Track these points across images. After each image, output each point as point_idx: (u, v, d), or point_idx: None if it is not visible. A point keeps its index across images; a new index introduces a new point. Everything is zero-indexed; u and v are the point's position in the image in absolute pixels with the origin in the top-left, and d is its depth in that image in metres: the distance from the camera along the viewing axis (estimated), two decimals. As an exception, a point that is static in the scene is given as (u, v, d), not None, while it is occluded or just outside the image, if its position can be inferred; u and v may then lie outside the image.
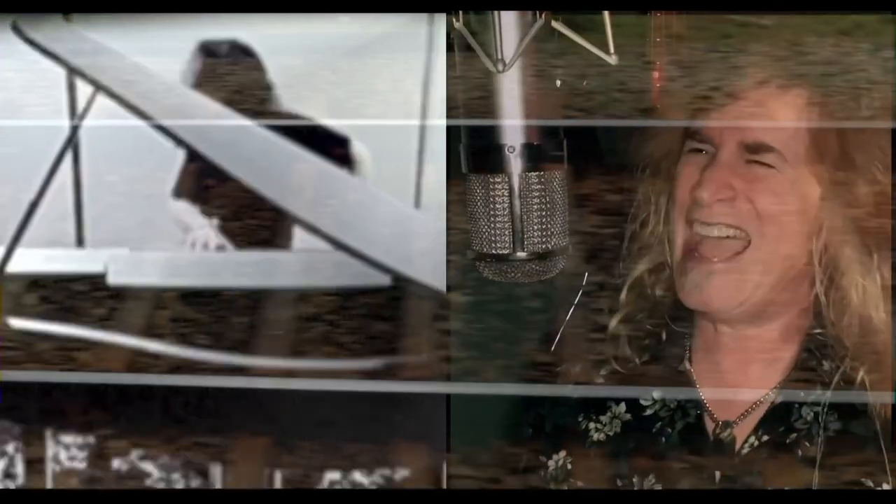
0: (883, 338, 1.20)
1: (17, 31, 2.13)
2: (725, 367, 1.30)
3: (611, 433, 1.33)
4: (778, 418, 1.23)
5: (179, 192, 2.45)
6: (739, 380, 1.29)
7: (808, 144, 1.20)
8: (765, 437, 1.23)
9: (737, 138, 1.18)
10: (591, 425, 1.35)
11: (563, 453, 1.36)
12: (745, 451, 1.25)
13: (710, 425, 1.29)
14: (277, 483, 2.01)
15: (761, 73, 1.29)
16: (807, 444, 1.21)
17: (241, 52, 2.41)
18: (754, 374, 1.29)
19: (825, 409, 1.21)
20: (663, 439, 1.29)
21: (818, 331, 1.23)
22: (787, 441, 1.22)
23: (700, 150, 1.25)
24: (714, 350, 1.32)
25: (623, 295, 1.38)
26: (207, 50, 2.29)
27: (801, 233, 1.21)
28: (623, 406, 1.34)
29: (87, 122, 2.28)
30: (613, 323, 1.38)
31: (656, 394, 1.31)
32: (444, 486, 1.98)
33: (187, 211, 2.45)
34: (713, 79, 1.36)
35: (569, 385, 1.43)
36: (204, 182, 2.27)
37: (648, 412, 1.32)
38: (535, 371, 1.48)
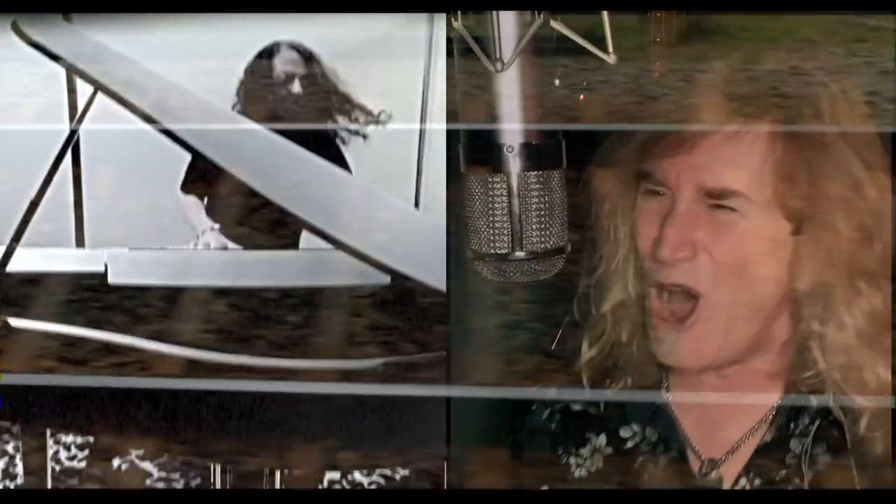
0: (868, 366, 1.14)
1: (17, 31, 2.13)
2: (706, 403, 1.24)
3: (592, 469, 1.28)
4: (768, 455, 1.17)
5: (186, 191, 2.45)
6: (723, 414, 1.22)
7: (776, 181, 1.12)
8: (756, 480, 1.18)
9: (694, 183, 1.11)
10: (572, 460, 1.30)
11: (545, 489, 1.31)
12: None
13: (694, 463, 1.22)
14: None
15: None
16: (797, 480, 1.15)
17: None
18: (739, 408, 1.22)
19: (812, 443, 1.16)
20: (646, 477, 1.23)
21: (805, 366, 1.17)
22: (778, 479, 1.16)
23: (660, 194, 1.18)
24: (694, 385, 1.24)
25: (591, 328, 1.32)
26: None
27: (770, 275, 1.14)
28: (603, 438, 1.28)
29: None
30: (584, 350, 1.32)
31: (636, 425, 1.26)
32: (444, 487, 1.99)
33: (193, 210, 2.46)
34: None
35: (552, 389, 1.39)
36: (208, 181, 2.28)
37: (629, 444, 1.26)
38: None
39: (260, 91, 2.41)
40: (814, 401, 1.16)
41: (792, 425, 1.17)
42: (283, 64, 2.37)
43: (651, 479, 1.23)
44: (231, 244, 2.39)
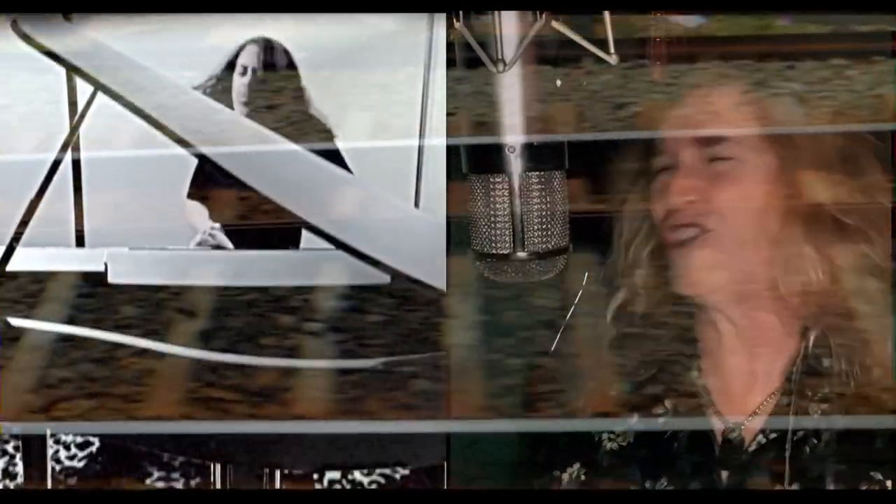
0: (869, 320, 1.25)
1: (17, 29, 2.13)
2: (731, 366, 1.36)
3: (624, 443, 1.38)
4: (784, 415, 1.28)
5: (191, 195, 2.46)
6: (746, 379, 1.34)
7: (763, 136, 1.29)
8: (772, 436, 1.27)
9: (694, 144, 1.30)
10: (605, 435, 1.40)
11: (576, 465, 1.41)
12: (752, 448, 1.29)
13: (719, 426, 1.33)
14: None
15: None
16: (814, 440, 1.25)
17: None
18: (760, 371, 1.33)
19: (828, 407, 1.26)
20: (675, 444, 1.34)
21: (815, 321, 1.29)
22: (795, 439, 1.25)
23: (668, 168, 1.35)
24: (718, 352, 1.37)
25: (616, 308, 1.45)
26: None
27: (768, 218, 1.28)
28: (635, 416, 1.39)
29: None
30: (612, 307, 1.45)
31: (668, 402, 1.37)
32: (444, 487, 1.99)
33: (196, 213, 2.46)
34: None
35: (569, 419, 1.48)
36: (213, 185, 2.27)
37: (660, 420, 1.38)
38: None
39: (219, 84, 2.43)
40: (825, 362, 1.27)
41: (809, 390, 1.27)
42: (244, 58, 2.39)
43: (678, 446, 1.33)
44: (229, 244, 2.39)
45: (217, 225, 2.33)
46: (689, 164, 1.30)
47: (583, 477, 1.39)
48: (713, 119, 1.32)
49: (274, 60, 2.42)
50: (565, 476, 1.41)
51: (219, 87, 2.39)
